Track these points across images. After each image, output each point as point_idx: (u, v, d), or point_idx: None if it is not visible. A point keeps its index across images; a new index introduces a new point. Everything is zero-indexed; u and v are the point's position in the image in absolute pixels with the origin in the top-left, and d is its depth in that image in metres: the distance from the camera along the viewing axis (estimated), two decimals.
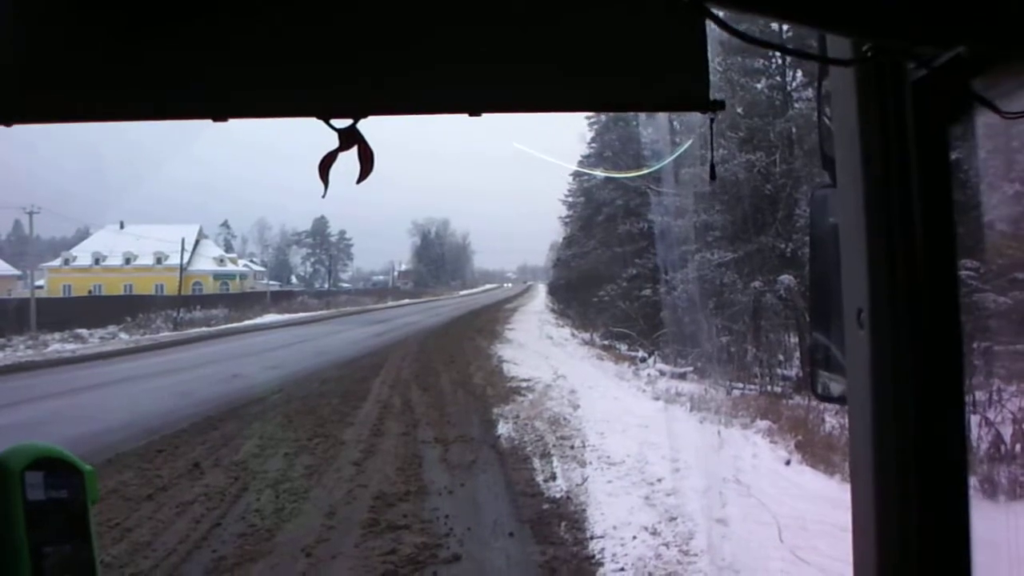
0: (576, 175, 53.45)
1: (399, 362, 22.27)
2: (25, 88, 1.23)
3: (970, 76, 1.21)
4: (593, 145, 53.33)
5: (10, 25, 1.22)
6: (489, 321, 42.96)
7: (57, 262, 66.90)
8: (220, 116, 1.26)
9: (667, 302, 29.62)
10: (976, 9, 1.16)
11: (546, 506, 8.60)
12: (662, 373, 21.95)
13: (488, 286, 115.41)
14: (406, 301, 77.35)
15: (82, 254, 66.61)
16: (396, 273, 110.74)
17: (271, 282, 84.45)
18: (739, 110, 28.46)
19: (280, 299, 63.65)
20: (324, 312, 55.65)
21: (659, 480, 9.58)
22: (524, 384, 17.90)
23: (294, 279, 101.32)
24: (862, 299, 1.31)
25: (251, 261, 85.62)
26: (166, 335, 37.52)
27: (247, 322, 43.98)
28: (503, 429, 12.78)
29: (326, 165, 1.27)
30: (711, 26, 1.25)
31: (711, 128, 1.31)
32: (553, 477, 9.78)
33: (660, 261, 32.09)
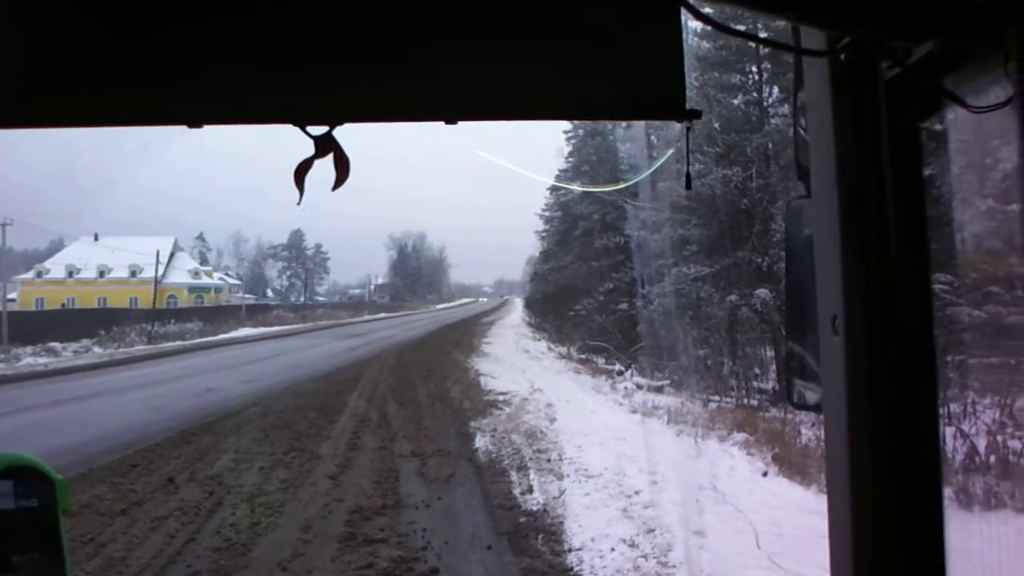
0: (553, 189, 53.28)
1: (376, 376, 22.19)
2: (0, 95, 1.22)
3: (941, 73, 1.22)
4: (570, 159, 53.28)
5: None
6: (466, 335, 42.93)
7: (30, 275, 66.01)
8: (195, 123, 1.25)
9: (644, 316, 29.71)
10: (945, 3, 1.18)
11: (523, 519, 8.59)
12: (639, 386, 22.02)
13: (465, 300, 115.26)
14: (383, 315, 77.11)
15: (55, 267, 65.79)
16: (373, 287, 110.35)
17: (247, 295, 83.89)
18: (716, 125, 28.67)
19: (255, 313, 63.23)
20: (299, 326, 55.39)
21: (637, 492, 9.59)
22: (501, 398, 17.88)
23: (270, 292, 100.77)
24: (836, 306, 1.32)
25: (227, 274, 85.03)
26: (140, 349, 37.16)
27: (222, 336, 43.67)
28: (480, 443, 12.75)
29: (301, 172, 1.26)
30: (688, 38, 1.26)
31: (687, 137, 1.30)
32: (530, 490, 9.76)
33: (637, 275, 32.17)
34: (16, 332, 41.35)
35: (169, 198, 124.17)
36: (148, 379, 21.82)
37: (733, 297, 24.62)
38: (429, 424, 14.40)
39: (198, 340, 40.89)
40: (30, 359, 33.89)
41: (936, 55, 1.19)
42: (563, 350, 35.20)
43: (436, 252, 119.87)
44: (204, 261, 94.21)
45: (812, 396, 1.54)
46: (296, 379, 21.36)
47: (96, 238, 64.62)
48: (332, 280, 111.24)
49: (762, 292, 23.36)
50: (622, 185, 34.79)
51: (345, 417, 15.03)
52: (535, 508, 8.98)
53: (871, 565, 1.30)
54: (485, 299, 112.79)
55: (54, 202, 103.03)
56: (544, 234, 60.58)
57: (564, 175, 53.75)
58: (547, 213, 57.66)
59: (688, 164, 1.50)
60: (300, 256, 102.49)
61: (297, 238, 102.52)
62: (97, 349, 38.89)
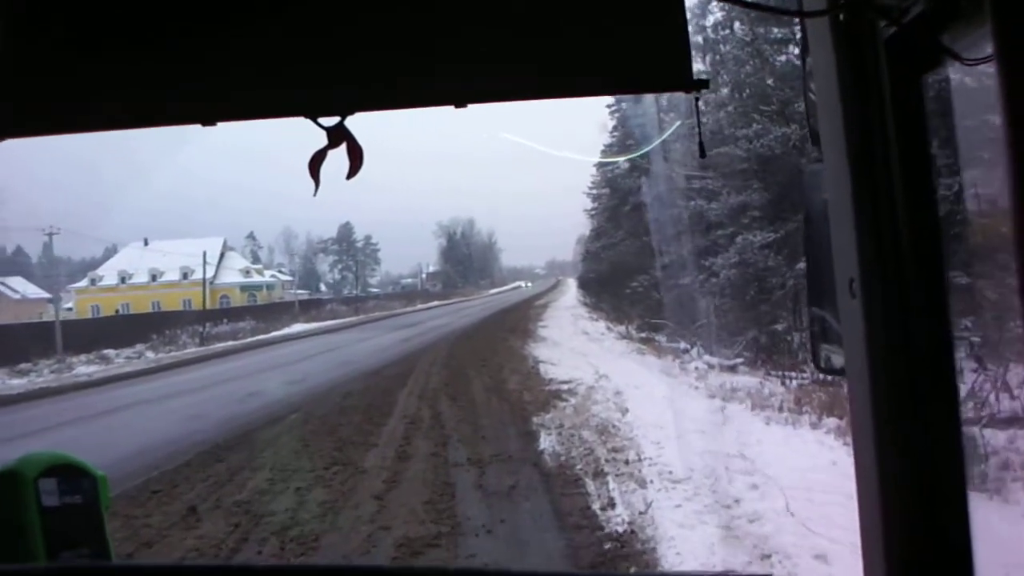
0: (600, 166, 52.22)
1: (427, 369, 20.73)
2: (15, 103, 1.25)
3: (938, 29, 1.21)
4: (615, 133, 52.05)
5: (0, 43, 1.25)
6: (521, 319, 41.34)
7: (84, 283, 66.03)
8: (209, 121, 1.30)
9: (706, 289, 28.03)
10: None
11: (609, 545, 7.00)
12: (710, 366, 20.28)
13: (517, 284, 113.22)
14: (435, 303, 75.79)
15: (108, 273, 65.65)
16: (424, 275, 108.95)
17: (299, 291, 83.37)
18: (770, 82, 27.02)
19: (309, 308, 62.32)
20: (352, 319, 54.27)
21: (736, 502, 7.98)
22: (564, 387, 16.30)
23: (323, 287, 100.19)
24: (852, 269, 1.33)
25: (279, 271, 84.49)
26: (191, 351, 36.36)
27: (274, 333, 42.69)
28: (546, 443, 11.19)
29: (316, 163, 1.28)
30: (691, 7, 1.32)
31: (696, 107, 1.33)
32: (611, 504, 8.17)
33: (694, 247, 30.62)
34: (71, 341, 40.95)
35: (218, 200, 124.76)
36: (191, 384, 20.65)
37: (801, 265, 22.74)
38: (486, 423, 12.87)
39: (249, 339, 39.95)
40: (82, 368, 33.46)
41: (931, 11, 1.20)
42: (622, 329, 33.55)
43: (485, 237, 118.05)
44: (256, 259, 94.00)
45: (837, 359, 1.53)
46: (344, 377, 20.00)
47: (146, 243, 64.26)
48: (384, 271, 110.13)
49: None
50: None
51: (394, 419, 13.57)
52: (620, 529, 7.38)
53: (900, 524, 1.30)
54: (526, 284, 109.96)
55: (108, 210, 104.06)
56: (593, 212, 59.84)
57: (609, 150, 52.63)
58: (594, 191, 55.69)
59: (700, 133, 1.65)
60: (350, 249, 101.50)
61: (346, 231, 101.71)
62: (149, 354, 38.35)
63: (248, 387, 18.89)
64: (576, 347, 25.26)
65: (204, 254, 48.05)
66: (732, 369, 19.80)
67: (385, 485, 9.31)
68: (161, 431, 13.37)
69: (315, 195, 1.28)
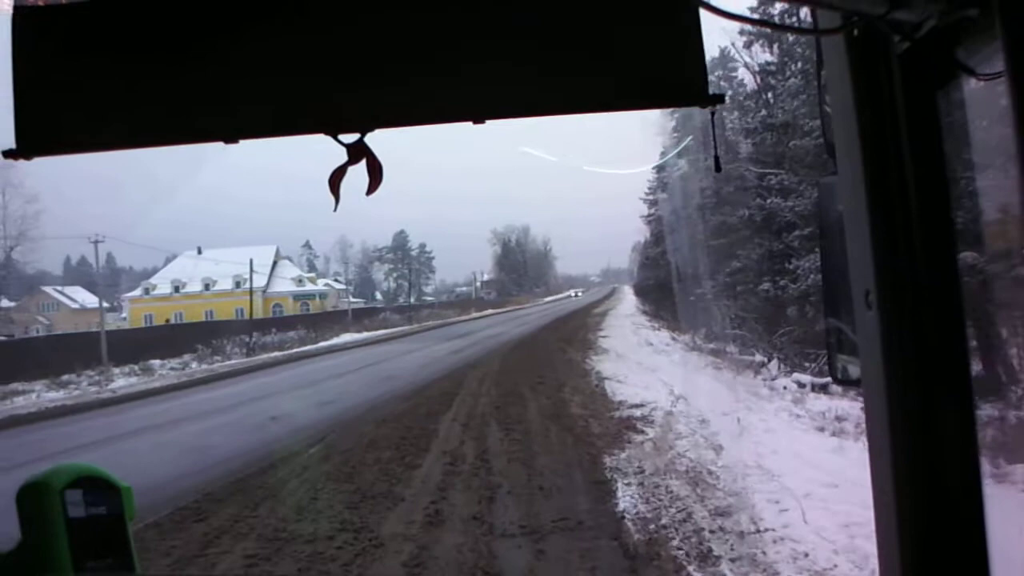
0: (659, 169, 50.00)
1: (476, 388, 17.91)
2: (43, 123, 1.25)
3: (951, 44, 1.21)
4: (676, 134, 49.73)
5: (24, 63, 1.26)
6: (579, 328, 38.34)
7: (138, 292, 64.80)
8: (231, 138, 1.27)
9: (786, 297, 24.95)
10: None
11: None
12: (801, 384, 17.10)
13: (573, 291, 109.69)
14: (489, 311, 73.03)
15: (162, 282, 64.31)
16: (479, 284, 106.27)
17: (354, 300, 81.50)
18: None
19: (362, 317, 60.03)
20: (404, 328, 51.77)
21: None
22: (637, 412, 13.39)
23: (379, 295, 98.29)
24: (868, 280, 1.33)
25: (335, 279, 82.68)
26: (232, 363, 34.32)
27: (321, 344, 40.39)
28: (626, 499, 8.30)
29: (336, 180, 1.28)
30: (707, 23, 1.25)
31: (712, 122, 1.31)
32: None
33: (767, 250, 27.55)
34: (120, 351, 39.63)
35: (273, 208, 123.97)
36: (215, 403, 18.16)
37: None
38: (544, 464, 10.01)
39: (295, 350, 37.71)
40: (122, 379, 31.77)
41: (944, 27, 1.20)
42: (688, 340, 30.48)
43: (540, 245, 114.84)
44: (312, 268, 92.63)
45: (854, 370, 1.52)
46: (383, 396, 17.31)
47: (199, 251, 62.75)
48: (439, 279, 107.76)
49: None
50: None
51: (431, 458, 10.75)
52: None
53: (915, 537, 1.30)
54: (577, 292, 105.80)
55: (165, 222, 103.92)
56: (650, 218, 57.99)
57: (670, 153, 50.20)
58: (651, 197, 52.90)
59: (715, 148, 1.56)
60: (405, 257, 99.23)
61: (401, 239, 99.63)
62: (194, 365, 36.53)
63: (274, 408, 16.29)
64: (642, 360, 22.28)
65: (251, 262, 45.91)
66: (825, 389, 16.60)
67: (406, 571, 6.52)
68: (147, 473, 10.67)
69: (335, 211, 1.29)
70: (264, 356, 36.27)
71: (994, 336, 12.26)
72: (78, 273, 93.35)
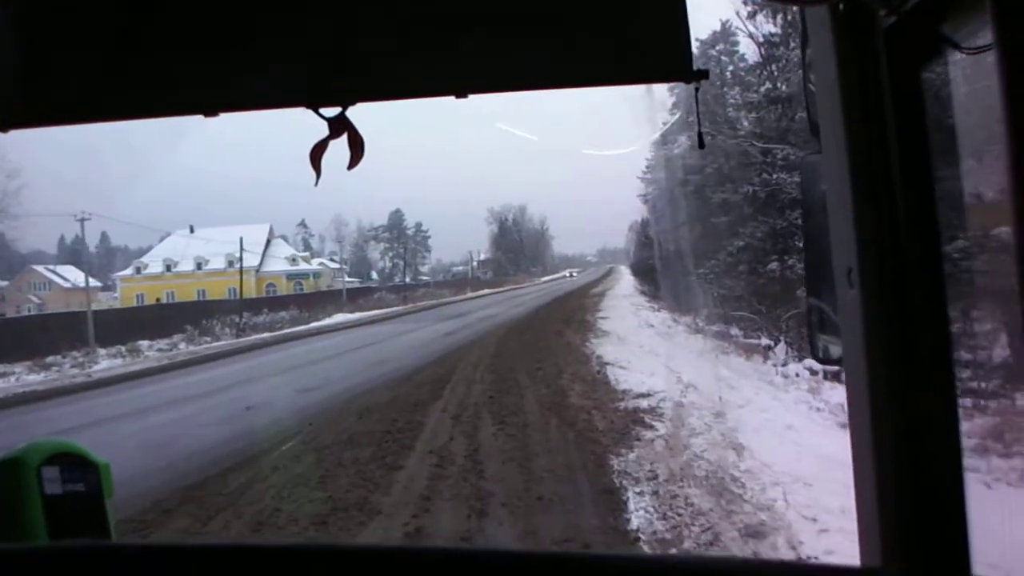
0: (659, 145, 48.90)
1: (470, 373, 16.66)
2: (19, 95, 1.24)
3: (937, 18, 1.18)
4: (675, 111, 48.53)
5: (3, 37, 1.23)
6: (577, 309, 37.08)
7: (129, 271, 63.44)
8: (211, 111, 1.25)
9: (792, 275, 23.69)
10: None
11: None
12: (813, 372, 15.84)
13: (567, 271, 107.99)
14: (486, 291, 71.66)
15: (153, 261, 62.88)
16: (475, 263, 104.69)
17: (350, 279, 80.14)
18: None
19: (356, 296, 58.74)
20: (399, 308, 50.39)
21: None
22: (644, 403, 12.14)
23: (375, 275, 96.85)
24: (851, 258, 1.31)
25: (331, 259, 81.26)
26: (223, 344, 33.17)
27: (313, 324, 39.15)
28: (639, 514, 7.05)
29: (317, 154, 1.26)
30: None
31: (696, 98, 1.30)
32: None
33: (771, 228, 26.29)
34: (108, 331, 38.75)
35: (268, 186, 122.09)
36: (191, 389, 16.89)
37: None
38: (543, 467, 8.75)
39: (285, 330, 36.50)
40: (106, 361, 30.77)
41: (929, 2, 1.19)
42: (689, 321, 29.31)
43: (537, 224, 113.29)
44: (308, 247, 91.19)
45: (835, 350, 1.48)
46: (371, 383, 16.06)
47: (191, 230, 61.32)
48: (436, 259, 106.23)
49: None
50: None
51: (415, 458, 9.48)
52: None
53: (896, 516, 1.29)
54: (570, 273, 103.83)
55: (161, 201, 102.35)
56: (647, 197, 56.37)
57: (671, 129, 49.13)
58: (648, 175, 51.68)
59: (699, 124, 1.56)
60: (401, 236, 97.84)
61: (397, 218, 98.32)
62: (182, 345, 35.41)
63: (253, 396, 15.05)
64: (644, 343, 21.04)
65: (241, 240, 44.60)
66: (839, 377, 15.34)
67: None
68: None
69: (316, 185, 1.27)
70: (253, 337, 35.15)
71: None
72: (72, 252, 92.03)
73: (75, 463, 1.43)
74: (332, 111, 1.22)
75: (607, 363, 17.14)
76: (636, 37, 1.22)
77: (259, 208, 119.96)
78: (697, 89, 1.27)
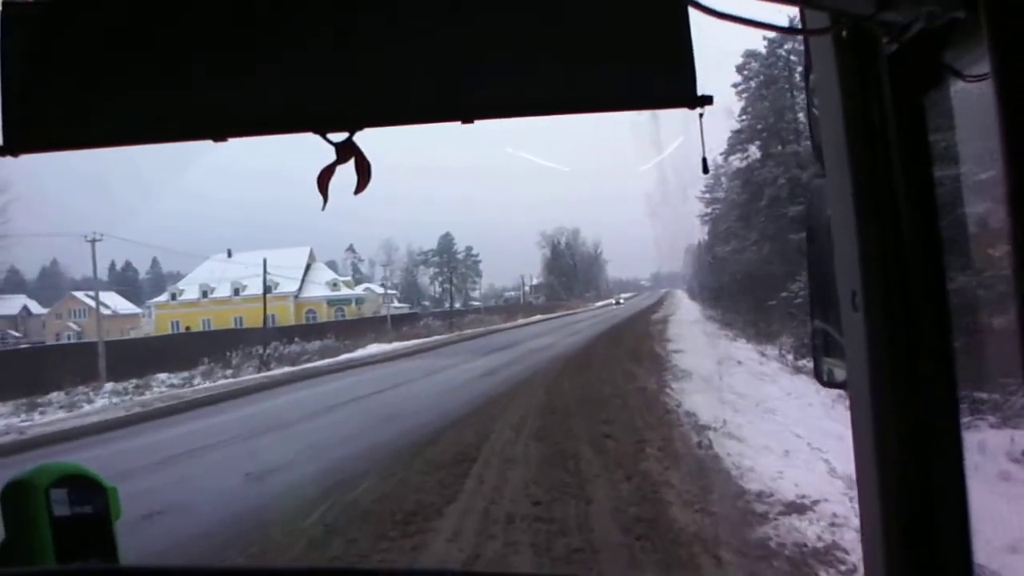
0: (728, 154, 43.75)
1: (508, 445, 11.10)
2: (26, 120, 1.21)
3: (939, 46, 1.19)
4: (743, 118, 43.30)
5: (11, 60, 1.21)
6: (642, 338, 31.30)
7: (164, 297, 59.27)
8: (219, 136, 1.23)
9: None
10: None
11: None
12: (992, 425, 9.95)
13: (616, 298, 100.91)
14: (537, 317, 65.68)
15: (190, 287, 58.57)
16: (527, 288, 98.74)
17: (400, 304, 75.25)
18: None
19: (401, 323, 53.43)
20: (441, 337, 44.78)
21: None
22: (811, 531, 6.52)
23: (426, 301, 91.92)
24: (855, 282, 1.29)
25: (382, 284, 76.43)
26: (236, 381, 28.47)
27: (343, 356, 33.94)
28: None
29: (324, 179, 1.23)
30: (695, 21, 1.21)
31: (700, 124, 1.25)
32: None
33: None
34: (126, 362, 34.53)
35: (314, 211, 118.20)
36: (138, 457, 11.62)
37: None
38: None
39: (309, 365, 31.35)
40: (103, 401, 26.21)
41: (931, 28, 1.17)
42: (776, 354, 23.48)
43: (591, 248, 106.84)
44: (356, 272, 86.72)
45: (840, 374, 1.47)
46: (361, 460, 10.65)
47: (229, 254, 56.79)
48: (488, 283, 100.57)
49: None
50: None
51: None
52: None
53: (900, 535, 1.26)
54: (620, 299, 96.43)
55: (212, 225, 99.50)
56: (707, 217, 49.62)
57: (738, 137, 44.22)
58: (707, 195, 47.71)
59: (703, 149, 1.37)
60: (451, 260, 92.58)
61: (447, 242, 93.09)
62: (196, 381, 30.72)
63: (174, 492, 9.73)
64: (744, 391, 15.29)
65: (264, 261, 39.55)
66: None
67: None
68: None
69: (323, 209, 1.22)
70: (276, 372, 30.15)
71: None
72: (123, 278, 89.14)
73: (83, 486, 1.39)
74: (340, 136, 1.19)
75: (706, 426, 11.49)
76: (641, 64, 1.18)
77: (305, 233, 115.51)
78: (701, 115, 1.22)
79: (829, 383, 1.56)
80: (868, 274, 1.26)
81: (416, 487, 8.86)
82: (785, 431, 11.04)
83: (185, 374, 32.57)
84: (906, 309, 1.25)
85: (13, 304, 67.74)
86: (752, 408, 13.30)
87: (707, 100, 1.19)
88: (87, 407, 24.73)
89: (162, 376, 31.88)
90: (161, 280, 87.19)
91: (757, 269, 36.41)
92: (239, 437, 13.52)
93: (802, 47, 1.54)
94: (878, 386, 1.26)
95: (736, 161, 42.44)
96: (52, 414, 23.47)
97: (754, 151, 41.99)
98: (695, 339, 29.19)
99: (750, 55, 40.80)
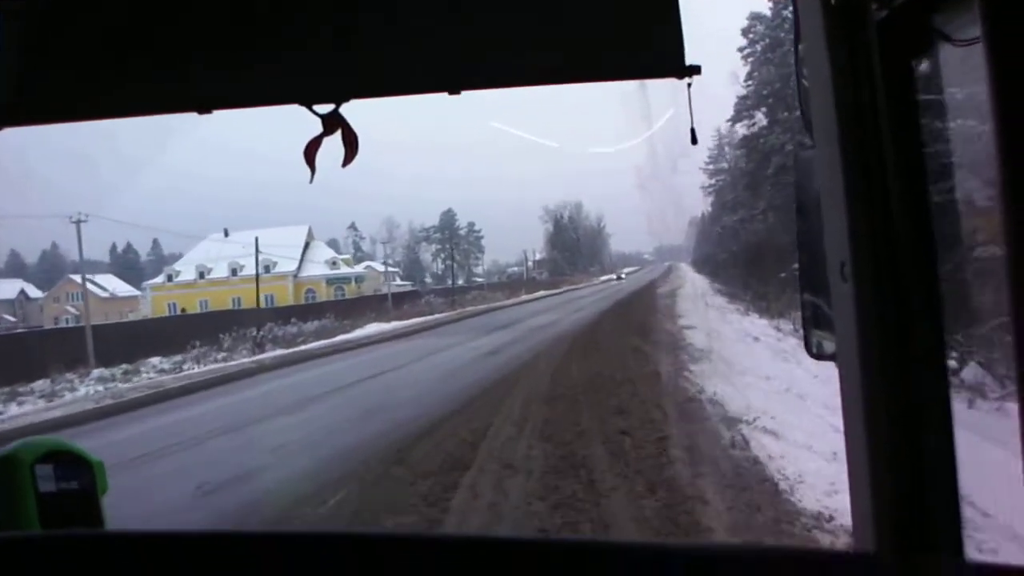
0: (735, 120, 42.19)
1: (510, 441, 9.52)
2: (12, 93, 1.19)
3: (929, 11, 1.17)
4: (749, 83, 41.53)
5: (10, 51, 1.20)
6: (648, 312, 29.74)
7: (160, 279, 57.71)
8: (204, 108, 1.21)
9: (978, 268, 15.99)
10: None
11: None
12: None
13: (617, 273, 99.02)
14: (541, 292, 63.96)
15: (186, 268, 56.99)
16: (530, 263, 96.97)
17: (403, 282, 73.71)
18: None
19: (401, 301, 51.79)
20: (442, 315, 43.17)
21: None
22: None
23: (428, 278, 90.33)
24: (844, 252, 1.26)
25: (384, 262, 74.89)
26: (228, 365, 27.10)
27: (339, 337, 32.39)
28: None
29: (311, 151, 1.21)
30: None
31: (688, 93, 1.28)
32: None
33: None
34: (118, 347, 33.55)
35: (315, 190, 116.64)
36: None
37: None
38: None
39: (304, 347, 29.83)
40: (86, 388, 25.23)
41: None
42: (791, 329, 21.78)
43: (594, 222, 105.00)
44: (358, 250, 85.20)
45: (829, 345, 1.43)
46: (346, 460, 9.09)
47: (226, 234, 55.03)
48: (491, 259, 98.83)
49: None
50: None
51: None
52: None
53: (890, 504, 1.22)
54: (621, 275, 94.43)
55: (213, 204, 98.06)
56: (711, 188, 49.84)
57: (744, 103, 42.56)
58: (710, 166, 48.00)
59: (692, 120, 1.43)
60: (453, 236, 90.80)
61: (448, 218, 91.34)
62: (186, 366, 29.32)
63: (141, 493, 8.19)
64: (767, 372, 13.74)
65: (256, 240, 38.06)
66: None
67: None
68: None
69: (311, 182, 1.20)
70: (268, 355, 28.66)
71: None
72: (124, 261, 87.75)
73: (69, 461, 1.37)
74: (326, 108, 1.18)
75: (736, 419, 9.90)
76: (629, 35, 1.19)
77: (310, 213, 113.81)
78: (689, 85, 1.23)
79: (818, 355, 1.50)
80: (857, 244, 1.23)
81: (394, 506, 7.28)
82: (824, 424, 9.44)
83: (177, 358, 31.32)
84: (895, 279, 1.22)
85: (10, 288, 66.48)
86: (782, 394, 11.74)
87: (695, 70, 1.20)
88: (68, 396, 23.32)
89: (154, 360, 30.65)
90: (162, 262, 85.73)
91: (765, 240, 34.73)
92: (206, 436, 11.93)
93: None
94: (867, 358, 1.22)
95: (742, 128, 40.74)
96: (31, 404, 22.08)
97: (760, 117, 40.23)
98: (705, 314, 27.56)
99: (755, 17, 39.04)
